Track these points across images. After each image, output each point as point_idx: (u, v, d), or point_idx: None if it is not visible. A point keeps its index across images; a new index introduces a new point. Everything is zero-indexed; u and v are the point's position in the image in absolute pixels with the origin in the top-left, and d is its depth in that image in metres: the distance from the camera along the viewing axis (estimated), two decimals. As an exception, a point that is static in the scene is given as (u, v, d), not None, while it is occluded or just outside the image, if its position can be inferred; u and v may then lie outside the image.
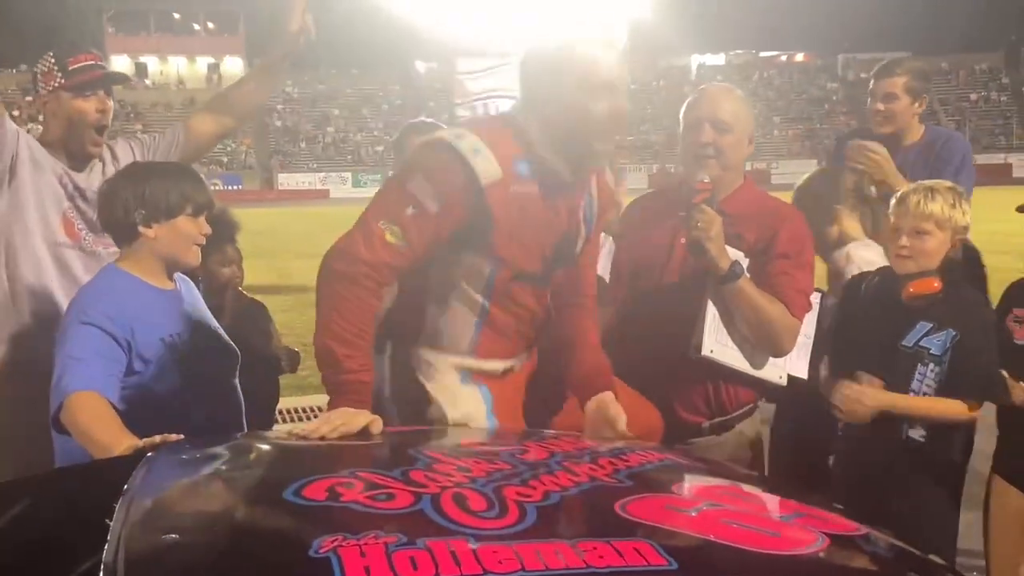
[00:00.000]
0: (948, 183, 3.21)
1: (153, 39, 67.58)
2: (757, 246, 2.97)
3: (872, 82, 4.24)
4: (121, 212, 2.77)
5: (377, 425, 2.25)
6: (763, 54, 74.64)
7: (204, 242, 2.86)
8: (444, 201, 2.38)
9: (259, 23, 66.94)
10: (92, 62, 3.31)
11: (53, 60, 3.27)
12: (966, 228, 3.12)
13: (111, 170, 3.28)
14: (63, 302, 3.06)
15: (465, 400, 2.56)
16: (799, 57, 74.48)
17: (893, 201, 3.17)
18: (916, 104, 4.19)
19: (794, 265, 2.97)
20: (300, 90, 65.87)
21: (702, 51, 71.77)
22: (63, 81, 3.26)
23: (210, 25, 70.63)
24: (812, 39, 74.43)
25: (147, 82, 66.85)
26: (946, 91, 67.26)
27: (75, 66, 3.27)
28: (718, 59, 73.12)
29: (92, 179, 3.30)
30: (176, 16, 70.00)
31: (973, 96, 64.12)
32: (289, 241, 22.02)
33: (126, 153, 3.44)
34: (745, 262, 2.90)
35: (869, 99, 4.25)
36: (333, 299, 2.38)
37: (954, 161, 4.10)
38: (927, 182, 3.19)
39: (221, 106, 3.66)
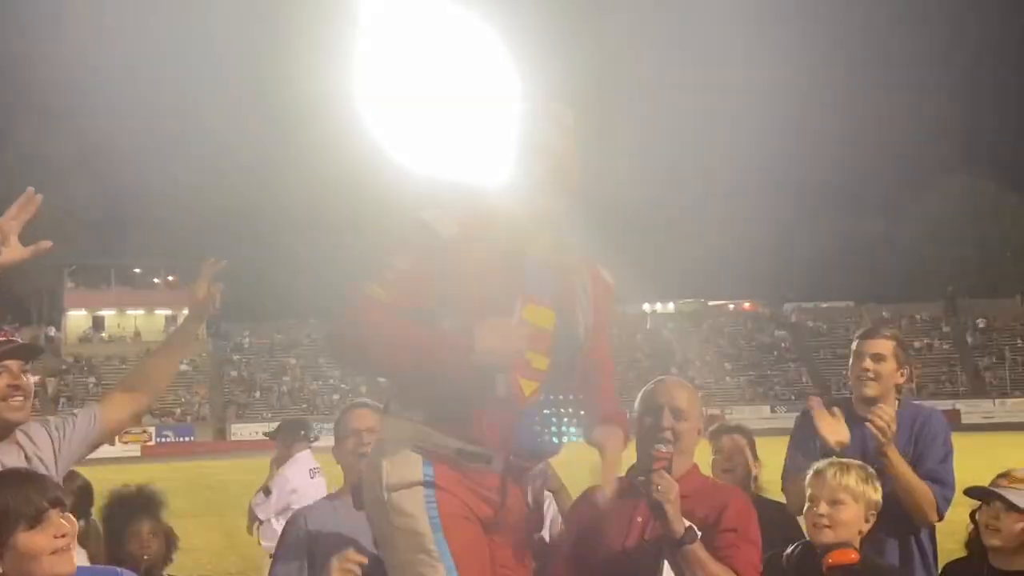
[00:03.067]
0: (859, 462, 3.42)
1: (112, 293, 68.30)
2: (707, 521, 3.16)
3: (857, 343, 4.16)
4: None
5: None
6: (711, 303, 76.86)
7: (65, 544, 2.57)
8: (414, 261, 2.71)
9: (219, 276, 68.19)
10: (2, 339, 3.31)
11: None
12: (878, 504, 3.32)
13: (32, 455, 3.24)
14: None
15: (409, 467, 2.70)
16: (746, 305, 76.75)
17: (810, 475, 3.39)
18: (899, 372, 4.10)
19: (741, 539, 3.15)
20: (257, 340, 66.26)
21: (652, 300, 73.79)
22: None
23: (170, 278, 71.72)
24: (758, 288, 77.05)
25: (103, 335, 66.94)
26: (890, 338, 69.13)
27: None
28: (668, 307, 75.14)
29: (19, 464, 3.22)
30: (137, 271, 71.10)
31: (917, 344, 65.95)
32: (239, 496, 21.41)
33: (42, 438, 3.35)
34: (698, 534, 3.07)
35: (852, 359, 4.13)
36: (370, 342, 2.67)
37: (938, 440, 4.00)
38: (840, 459, 3.42)
39: (134, 386, 3.65)
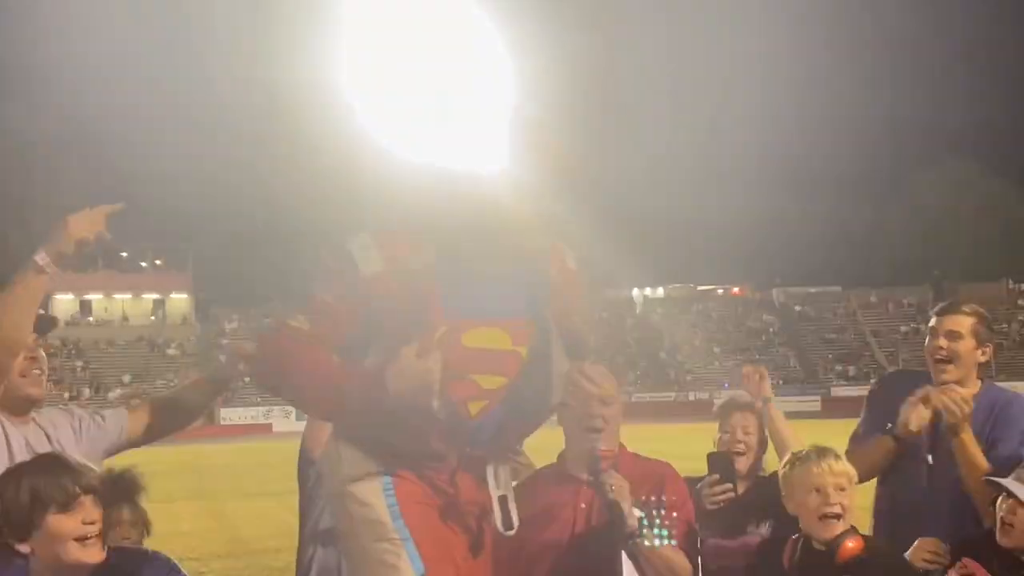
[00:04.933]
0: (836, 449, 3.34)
1: (100, 276, 68.02)
2: (648, 502, 3.27)
3: (933, 319, 3.87)
4: None
5: None
6: (701, 287, 76.99)
7: (95, 531, 2.61)
8: (338, 293, 2.68)
9: (207, 259, 68.04)
10: None
11: None
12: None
13: (54, 438, 3.23)
14: None
15: (365, 457, 2.69)
16: (735, 290, 76.93)
17: (798, 467, 3.26)
18: (980, 351, 3.80)
19: (681, 514, 3.30)
20: (246, 324, 66.17)
21: (641, 285, 73.92)
22: None
23: (157, 262, 71.49)
24: (747, 273, 77.19)
25: (90, 319, 66.69)
26: (877, 324, 69.48)
27: None
28: (658, 293, 75.25)
29: (42, 445, 3.21)
30: (124, 254, 70.84)
31: (903, 328, 66.28)
32: (228, 480, 21.46)
33: (65, 433, 3.32)
34: (639, 514, 3.18)
35: (928, 337, 3.86)
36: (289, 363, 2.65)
37: (1018, 426, 3.73)
38: (823, 446, 3.31)
39: (165, 412, 3.62)
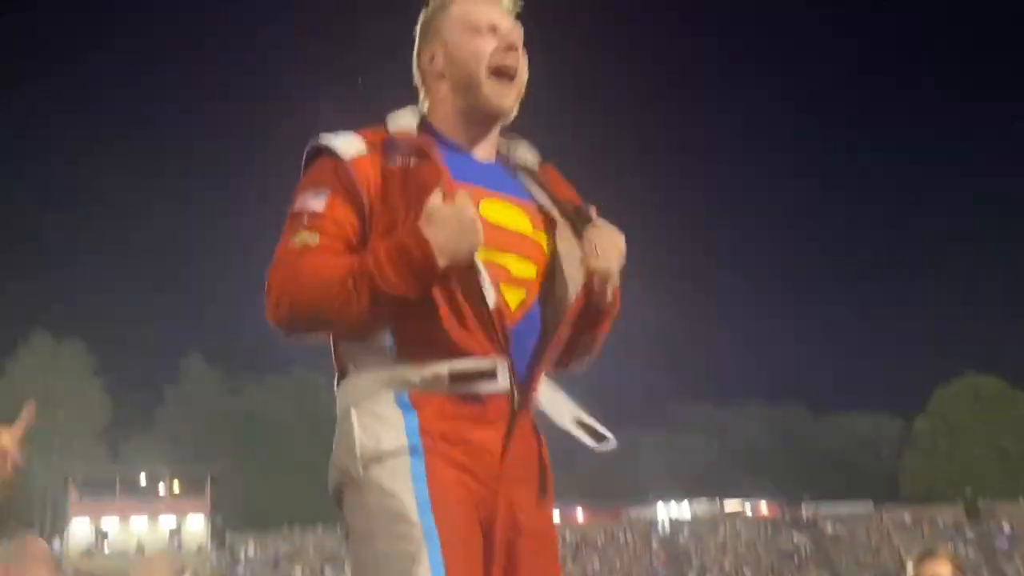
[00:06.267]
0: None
1: (117, 503, 67.26)
2: None
3: (912, 566, 4.22)
4: None
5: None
6: (728, 504, 75.20)
7: None
8: (327, 195, 2.23)
9: (224, 482, 67.41)
10: None
11: None
12: None
13: None
14: None
15: (389, 428, 2.16)
16: (763, 512, 75.09)
17: None
18: None
19: None
20: (262, 551, 64.70)
21: (666, 498, 72.29)
22: None
23: (175, 484, 70.79)
24: (774, 488, 75.59)
25: (106, 549, 65.39)
26: (912, 543, 67.24)
27: None
28: (683, 510, 73.45)
29: None
30: (142, 482, 70.30)
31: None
32: None
33: None
34: None
35: None
36: (295, 277, 2.16)
37: None
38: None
39: None
